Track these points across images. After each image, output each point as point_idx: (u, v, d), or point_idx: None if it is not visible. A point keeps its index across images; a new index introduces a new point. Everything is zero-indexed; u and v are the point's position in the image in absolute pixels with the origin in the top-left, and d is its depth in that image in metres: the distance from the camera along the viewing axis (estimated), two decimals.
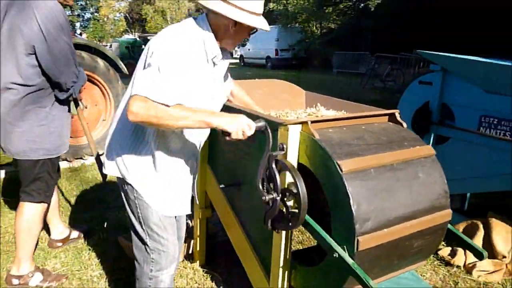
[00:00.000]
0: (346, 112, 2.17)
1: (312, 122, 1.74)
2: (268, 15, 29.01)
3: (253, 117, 1.97)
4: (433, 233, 1.82)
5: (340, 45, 20.05)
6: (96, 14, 44.70)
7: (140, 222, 1.80)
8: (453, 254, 2.96)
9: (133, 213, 1.81)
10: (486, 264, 2.82)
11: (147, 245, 1.82)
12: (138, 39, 21.18)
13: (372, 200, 1.62)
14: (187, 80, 1.56)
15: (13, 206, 3.63)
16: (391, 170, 1.72)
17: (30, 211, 2.50)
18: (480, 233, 2.99)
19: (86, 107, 4.76)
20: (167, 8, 36.82)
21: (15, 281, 2.50)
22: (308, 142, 1.72)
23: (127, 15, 39.71)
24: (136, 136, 1.72)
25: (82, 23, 45.41)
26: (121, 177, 1.78)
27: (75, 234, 3.04)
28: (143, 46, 19.03)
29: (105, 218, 3.42)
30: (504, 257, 2.86)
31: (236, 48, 1.76)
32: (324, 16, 21.95)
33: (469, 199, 3.63)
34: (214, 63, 1.72)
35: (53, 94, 2.42)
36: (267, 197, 1.74)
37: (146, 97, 1.44)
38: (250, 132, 1.62)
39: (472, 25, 12.22)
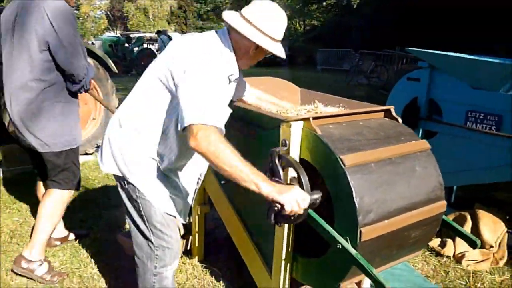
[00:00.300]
0: (343, 109, 2.23)
1: (314, 118, 1.80)
2: None
3: (255, 115, 2.03)
4: (430, 223, 1.90)
5: (323, 42, 20.23)
6: (76, 12, 43.94)
7: (143, 221, 1.83)
8: (442, 245, 3.07)
9: (136, 211, 1.84)
10: (475, 253, 2.94)
11: (151, 242, 1.86)
12: (121, 37, 20.95)
13: (374, 192, 1.69)
14: (220, 95, 1.64)
15: (8, 205, 3.62)
16: (390, 164, 1.80)
17: (57, 196, 2.63)
18: (468, 224, 3.11)
19: (85, 104, 4.76)
20: (149, 5, 36.41)
21: (24, 264, 2.57)
22: (310, 138, 1.78)
23: (109, 13, 39.13)
24: (142, 138, 1.75)
25: None
26: (121, 175, 1.80)
27: (73, 236, 3.04)
28: (126, 44, 18.84)
29: (101, 216, 3.43)
30: (491, 246, 2.98)
31: None
32: (308, 14, 22.09)
33: (455, 191, 3.75)
34: (229, 80, 1.76)
35: (66, 89, 2.51)
36: None
37: (204, 124, 1.48)
38: (304, 205, 1.58)
39: (455, 23, 12.49)
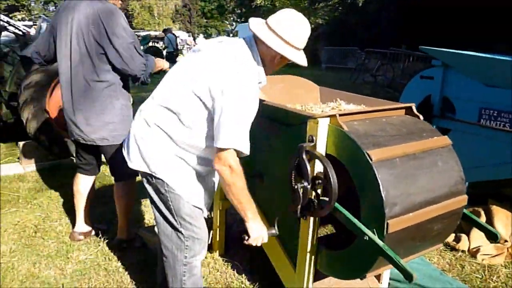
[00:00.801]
0: (365, 106, 2.29)
1: (340, 115, 1.86)
2: (255, 10, 29.10)
3: (281, 112, 2.09)
4: (451, 217, 1.96)
5: (328, 41, 20.24)
6: None
7: (172, 214, 1.90)
8: (457, 239, 3.13)
9: (164, 205, 1.91)
10: (489, 248, 3.00)
11: (181, 233, 1.92)
12: None
13: (399, 186, 1.75)
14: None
15: (29, 201, 3.70)
16: (414, 159, 1.86)
17: (124, 190, 2.86)
18: (482, 219, 3.17)
19: None
20: (154, 4, 36.56)
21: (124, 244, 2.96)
22: (337, 134, 1.85)
23: None
24: (169, 136, 1.82)
25: None
26: (149, 172, 1.87)
27: (96, 231, 3.12)
28: None
29: None
30: (506, 241, 3.04)
31: None
32: (313, 13, 22.10)
33: (467, 188, 3.80)
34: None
35: (122, 86, 2.67)
36: (298, 186, 1.87)
37: (235, 149, 1.68)
38: (261, 242, 1.95)
39: (457, 21, 12.51)
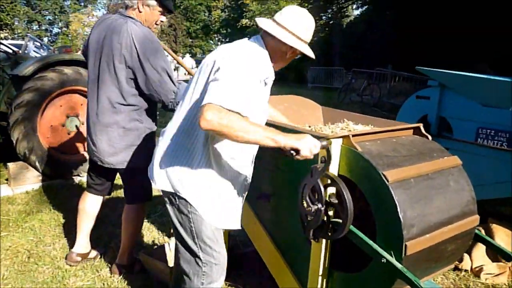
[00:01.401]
0: (373, 126, 2.29)
1: (353, 136, 1.85)
2: (241, 31, 29.43)
3: (291, 133, 2.07)
4: (464, 237, 1.95)
5: (314, 60, 20.52)
6: (65, 29, 43.97)
7: (193, 236, 1.84)
8: (460, 259, 3.11)
9: (184, 227, 1.85)
10: (492, 267, 2.99)
11: (200, 259, 1.86)
12: None
13: (415, 207, 1.73)
14: (251, 94, 1.65)
15: (19, 224, 3.57)
16: (427, 179, 1.85)
17: (135, 213, 2.78)
18: None
19: (83, 124, 4.76)
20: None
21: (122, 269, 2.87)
22: (350, 155, 1.83)
23: None
24: (191, 151, 1.78)
25: (50, 38, 44.56)
26: (172, 191, 1.82)
27: (93, 253, 3.02)
28: None
29: (116, 234, 3.40)
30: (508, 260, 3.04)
31: None
32: None
33: None
34: (265, 83, 1.82)
35: (148, 111, 2.61)
36: (312, 208, 1.83)
37: (221, 106, 1.50)
38: (316, 150, 1.68)
39: (441, 43, 12.87)
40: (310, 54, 1.88)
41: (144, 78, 2.44)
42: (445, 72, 3.45)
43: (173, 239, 2.97)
